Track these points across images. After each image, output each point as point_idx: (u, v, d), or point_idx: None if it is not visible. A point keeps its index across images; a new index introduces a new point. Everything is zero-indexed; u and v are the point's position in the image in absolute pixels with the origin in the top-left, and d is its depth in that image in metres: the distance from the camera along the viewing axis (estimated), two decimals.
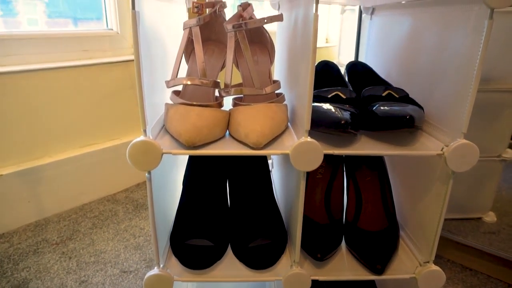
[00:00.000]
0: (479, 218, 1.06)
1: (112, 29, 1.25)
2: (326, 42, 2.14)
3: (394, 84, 0.66)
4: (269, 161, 0.81)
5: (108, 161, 1.22)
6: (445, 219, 1.08)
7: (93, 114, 1.19)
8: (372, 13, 0.77)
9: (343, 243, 0.61)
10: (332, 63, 0.73)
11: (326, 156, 0.66)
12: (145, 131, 0.45)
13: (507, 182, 1.23)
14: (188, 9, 0.75)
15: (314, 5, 0.41)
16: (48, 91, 1.07)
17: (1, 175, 0.98)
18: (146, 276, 0.50)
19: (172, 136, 0.50)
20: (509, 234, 0.99)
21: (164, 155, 0.45)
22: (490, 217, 1.05)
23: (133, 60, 1.24)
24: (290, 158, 0.45)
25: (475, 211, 1.06)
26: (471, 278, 0.84)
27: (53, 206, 1.11)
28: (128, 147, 0.43)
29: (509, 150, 1.00)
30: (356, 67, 0.72)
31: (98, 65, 1.17)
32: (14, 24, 1.09)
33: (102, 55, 1.22)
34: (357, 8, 0.86)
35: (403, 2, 0.64)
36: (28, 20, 1.13)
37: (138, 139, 0.43)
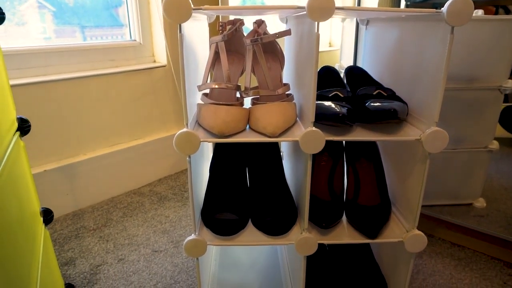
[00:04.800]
0: (470, 204, 1.17)
1: (135, 40, 1.39)
2: (330, 46, 2.27)
3: (385, 85, 0.78)
4: (281, 154, 0.93)
5: (133, 159, 1.35)
6: (439, 205, 1.20)
7: (120, 117, 1.33)
8: (367, 24, 0.90)
9: (344, 218, 0.73)
10: (333, 67, 0.85)
11: (329, 147, 0.79)
12: (187, 124, 0.58)
13: (498, 173, 1.35)
14: (209, 24, 0.88)
15: (316, 25, 0.54)
16: (81, 97, 1.21)
17: (45, 170, 1.12)
18: (185, 241, 0.63)
19: (204, 129, 0.62)
20: (496, 217, 1.10)
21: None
22: (480, 202, 1.16)
23: (154, 68, 1.38)
24: (300, 144, 0.57)
25: (466, 197, 1.17)
26: (459, 253, 0.96)
27: (87, 198, 1.24)
28: (175, 137, 0.56)
29: (495, 141, 1.11)
30: (353, 71, 0.85)
31: (124, 73, 1.31)
32: (24, 33, 1.17)
33: (126, 63, 1.36)
34: (354, 19, 0.99)
35: (385, 17, 0.77)
36: (36, 29, 1.19)
37: (182, 130, 0.56)
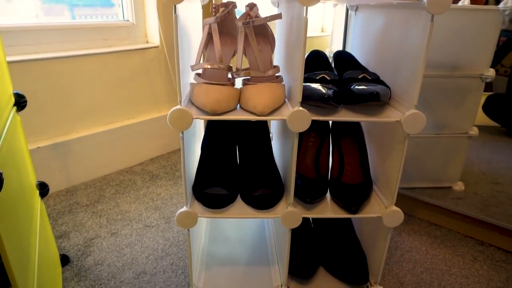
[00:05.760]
0: (450, 187, 1.23)
1: (128, 20, 1.39)
2: (322, 31, 2.28)
3: (371, 69, 0.82)
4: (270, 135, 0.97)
5: (125, 138, 1.38)
6: (420, 188, 1.25)
7: (113, 96, 1.34)
8: (356, 10, 0.93)
9: (328, 195, 0.78)
10: (322, 52, 0.88)
11: (316, 128, 0.83)
12: (180, 102, 0.61)
13: (478, 158, 1.40)
14: (203, 6, 0.90)
15: (305, 10, 0.57)
16: (74, 76, 1.22)
17: (38, 147, 1.14)
18: (177, 212, 0.67)
19: (197, 108, 0.65)
20: (473, 199, 1.16)
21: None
22: (459, 186, 1.22)
23: (146, 48, 1.39)
24: (287, 122, 0.61)
25: (446, 181, 1.23)
26: (435, 231, 1.02)
27: (80, 176, 1.27)
28: (169, 113, 0.59)
29: (475, 128, 1.16)
30: (341, 55, 0.88)
31: (117, 53, 1.32)
32: (11, 10, 1.14)
33: (119, 43, 1.37)
34: (345, 5, 1.01)
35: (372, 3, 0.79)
36: (23, 6, 1.15)
37: (176, 107, 0.59)
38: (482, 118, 1.23)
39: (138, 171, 1.37)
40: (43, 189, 0.79)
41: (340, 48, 1.12)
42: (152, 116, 1.46)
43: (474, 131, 1.15)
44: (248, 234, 0.97)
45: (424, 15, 0.59)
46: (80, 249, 0.93)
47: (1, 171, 0.38)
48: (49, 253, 0.77)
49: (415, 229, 1.02)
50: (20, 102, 0.72)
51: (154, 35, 1.43)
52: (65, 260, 0.88)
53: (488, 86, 1.16)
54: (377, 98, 0.63)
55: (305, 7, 0.56)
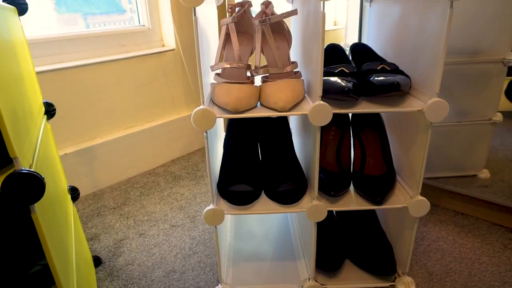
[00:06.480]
0: (475, 175, 1.21)
1: (144, 25, 1.42)
2: (335, 25, 2.27)
3: (389, 60, 0.81)
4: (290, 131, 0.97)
5: (147, 141, 1.41)
6: (444, 177, 1.23)
7: (133, 100, 1.37)
8: (371, 1, 0.92)
9: (352, 188, 0.78)
10: (339, 45, 0.88)
11: (336, 121, 0.83)
12: (203, 102, 0.62)
13: (503, 145, 1.37)
14: (218, 7, 0.92)
15: (322, 4, 0.57)
16: (95, 82, 1.25)
17: (66, 153, 1.18)
18: (204, 211, 0.68)
19: (219, 107, 0.67)
20: (500, 186, 1.14)
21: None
22: (484, 174, 1.19)
23: (163, 52, 1.41)
24: (309, 117, 0.61)
25: (471, 169, 1.20)
26: (462, 221, 1.01)
27: (105, 179, 1.30)
28: (192, 114, 0.60)
29: (498, 114, 1.14)
30: (358, 47, 0.88)
31: (134, 58, 1.35)
32: (26, 22, 1.15)
33: (137, 48, 1.40)
34: None
35: None
36: (38, 18, 1.18)
37: (199, 107, 0.61)
38: (505, 104, 1.20)
39: (160, 172, 1.39)
40: (74, 193, 0.82)
41: (355, 41, 1.12)
42: (171, 118, 1.49)
43: (498, 117, 1.13)
44: (272, 229, 0.98)
45: (442, 2, 0.59)
46: (110, 250, 0.96)
47: (43, 176, 0.40)
48: (83, 254, 0.80)
49: (441, 218, 1.01)
50: (49, 111, 0.75)
51: (169, 39, 1.46)
52: (97, 261, 0.91)
53: (511, 70, 1.13)
54: (397, 88, 0.63)
55: (322, 2, 0.56)
